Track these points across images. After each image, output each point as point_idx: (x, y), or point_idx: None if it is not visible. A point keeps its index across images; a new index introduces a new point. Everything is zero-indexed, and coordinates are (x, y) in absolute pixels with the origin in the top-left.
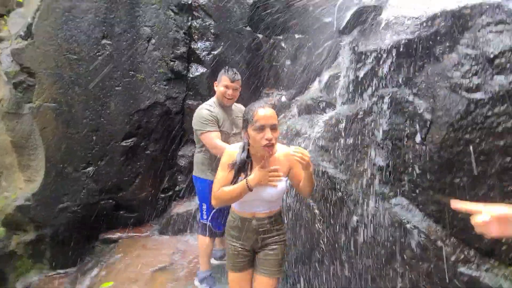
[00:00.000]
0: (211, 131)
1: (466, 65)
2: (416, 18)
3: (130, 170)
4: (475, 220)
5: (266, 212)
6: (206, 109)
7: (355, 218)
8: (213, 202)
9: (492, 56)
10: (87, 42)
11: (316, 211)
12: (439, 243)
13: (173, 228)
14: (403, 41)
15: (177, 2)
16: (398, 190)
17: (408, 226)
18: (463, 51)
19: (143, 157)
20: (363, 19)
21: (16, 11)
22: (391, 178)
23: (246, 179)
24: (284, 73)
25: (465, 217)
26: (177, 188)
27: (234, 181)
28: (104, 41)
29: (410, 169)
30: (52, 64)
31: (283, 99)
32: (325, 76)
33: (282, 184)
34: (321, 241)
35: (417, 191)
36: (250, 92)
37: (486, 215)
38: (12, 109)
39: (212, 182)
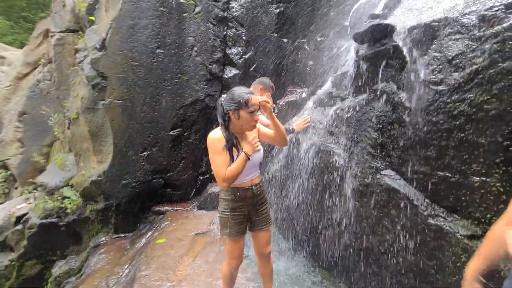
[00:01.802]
0: None
1: (434, 65)
2: (400, 29)
3: (176, 155)
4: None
5: (257, 176)
6: None
7: (352, 188)
8: (225, 184)
9: (450, 57)
10: (145, 51)
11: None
12: (415, 202)
13: (209, 204)
14: (391, 47)
15: (215, 16)
16: (388, 164)
17: (395, 192)
18: (432, 54)
19: (186, 145)
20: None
21: (91, 28)
22: (382, 154)
23: (244, 151)
24: (306, 72)
25: (436, 181)
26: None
27: (231, 157)
28: (158, 50)
29: (396, 146)
30: (119, 69)
31: (304, 95)
32: (336, 75)
33: (262, 149)
34: (328, 210)
35: (401, 163)
36: (277, 90)
37: None
38: (90, 105)
39: None
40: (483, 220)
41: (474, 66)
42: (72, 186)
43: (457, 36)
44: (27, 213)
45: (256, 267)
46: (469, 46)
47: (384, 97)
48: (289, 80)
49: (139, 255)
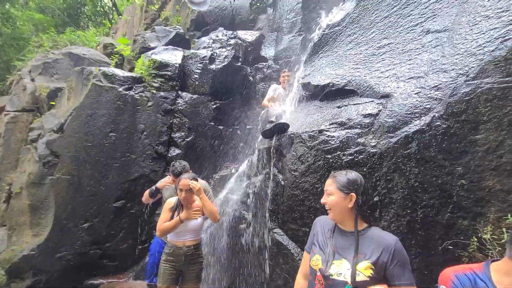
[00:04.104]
0: None
1: (292, 159)
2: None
3: (117, 225)
4: None
5: (192, 240)
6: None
7: (256, 244)
8: (157, 234)
9: (299, 156)
10: (99, 134)
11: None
12: (292, 251)
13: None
14: (276, 145)
15: (164, 108)
16: (276, 224)
17: (281, 245)
18: (291, 153)
19: (128, 215)
20: (277, 132)
21: (50, 112)
22: (273, 217)
23: (179, 216)
24: (238, 152)
25: (302, 234)
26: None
27: (171, 217)
28: (111, 134)
29: (280, 211)
30: (72, 149)
31: (233, 171)
32: (249, 158)
33: (200, 219)
34: (241, 263)
35: (283, 223)
36: (214, 166)
37: None
38: (37, 180)
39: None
40: None
41: (307, 163)
42: None
43: (301, 144)
44: None
45: None
46: (305, 150)
47: (272, 177)
48: (225, 158)
49: None
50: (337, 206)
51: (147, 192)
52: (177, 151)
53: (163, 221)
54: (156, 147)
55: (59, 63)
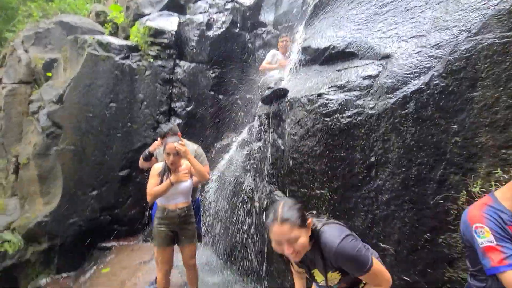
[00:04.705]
0: None
1: (291, 124)
2: None
3: (124, 193)
4: None
5: (183, 202)
6: None
7: (257, 204)
8: (148, 198)
9: (298, 120)
10: (100, 105)
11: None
12: None
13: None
14: (275, 110)
15: (162, 78)
16: (277, 187)
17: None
18: (291, 117)
19: (133, 184)
20: (275, 97)
21: (48, 83)
22: (273, 180)
23: (169, 178)
24: (239, 121)
25: (301, 195)
26: None
27: (160, 182)
28: (111, 104)
29: (280, 175)
30: (74, 120)
31: (234, 139)
32: (250, 125)
33: (189, 181)
34: (242, 225)
35: (283, 186)
36: (215, 135)
37: None
38: (42, 151)
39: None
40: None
41: (306, 126)
42: (13, 229)
43: (300, 108)
44: None
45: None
46: (304, 114)
47: (271, 142)
48: (226, 127)
49: (84, 284)
50: (306, 245)
51: (141, 157)
52: (178, 120)
53: (152, 185)
54: (157, 116)
55: (51, 32)
